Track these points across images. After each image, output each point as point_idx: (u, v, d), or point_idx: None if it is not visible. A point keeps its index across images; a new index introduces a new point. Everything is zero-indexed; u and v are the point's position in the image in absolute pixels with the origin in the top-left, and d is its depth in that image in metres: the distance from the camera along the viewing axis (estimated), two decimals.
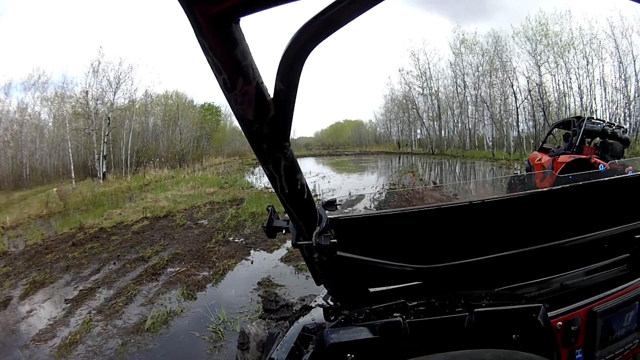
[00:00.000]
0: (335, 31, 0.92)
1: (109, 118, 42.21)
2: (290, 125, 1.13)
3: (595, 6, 61.40)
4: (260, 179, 31.39)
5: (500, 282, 2.38)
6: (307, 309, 2.68)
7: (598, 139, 14.60)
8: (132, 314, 7.62)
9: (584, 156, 12.88)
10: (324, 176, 31.14)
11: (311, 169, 38.87)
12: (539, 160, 15.13)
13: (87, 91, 42.57)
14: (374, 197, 13.69)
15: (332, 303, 2.32)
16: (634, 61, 39.52)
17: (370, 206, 13.30)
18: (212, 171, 40.38)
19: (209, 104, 68.40)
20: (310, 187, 14.48)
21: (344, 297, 2.18)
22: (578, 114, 36.80)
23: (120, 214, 17.74)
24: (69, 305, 8.29)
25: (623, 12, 39.42)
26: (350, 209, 13.50)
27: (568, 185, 2.38)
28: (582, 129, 13.74)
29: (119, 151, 46.18)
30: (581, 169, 11.78)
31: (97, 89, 43.16)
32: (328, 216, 1.73)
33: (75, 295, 8.80)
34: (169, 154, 52.16)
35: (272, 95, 1.02)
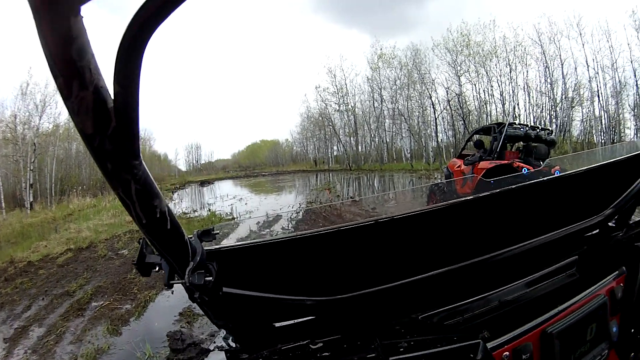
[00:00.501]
0: (172, 11, 0.77)
1: (34, 144, 41.14)
2: (138, 138, 0.97)
3: (522, 14, 63.30)
4: (177, 205, 31.31)
5: (427, 306, 2.10)
6: (204, 352, 2.47)
7: (521, 143, 14.95)
8: (64, 352, 7.39)
9: (505, 161, 13.14)
10: (241, 198, 31.37)
11: (229, 192, 39.26)
12: (459, 167, 15.41)
13: (15, 115, 41.63)
14: (291, 217, 13.85)
15: (233, 344, 2.03)
16: (562, 65, 41.45)
17: (288, 226, 14.04)
18: None
19: None
20: (227, 210, 15.02)
21: (244, 336, 1.95)
22: (500, 120, 37.97)
23: (46, 246, 17.53)
24: (7, 344, 8.09)
25: (552, 17, 41.66)
26: (267, 230, 13.71)
27: (498, 190, 2.21)
28: (503, 134, 14.01)
29: (44, 179, 45.03)
30: (503, 174, 12.00)
31: (24, 113, 42.24)
32: (207, 248, 1.56)
33: (12, 334, 8.52)
34: (91, 182, 51.55)
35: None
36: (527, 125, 14.89)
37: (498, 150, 13.96)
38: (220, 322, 1.77)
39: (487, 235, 2.19)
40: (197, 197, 40.70)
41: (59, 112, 46.21)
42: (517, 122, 15.21)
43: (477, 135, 17.79)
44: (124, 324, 8.39)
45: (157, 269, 1.53)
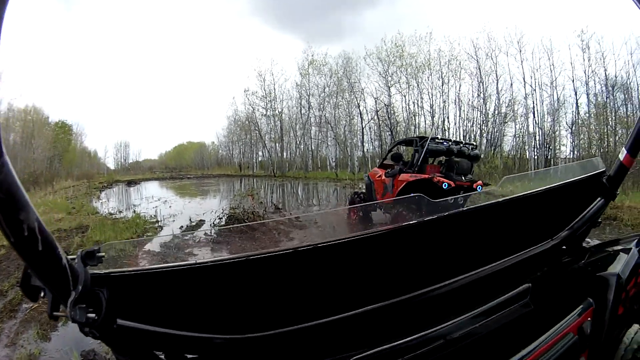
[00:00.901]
0: None
1: None
2: None
3: (461, 28, 63.98)
4: (105, 204, 30.78)
5: (360, 346, 1.75)
6: None
7: (444, 157, 15.23)
8: (1, 355, 7.47)
9: (426, 175, 13.43)
10: (166, 201, 30.92)
11: (154, 193, 38.73)
12: (380, 176, 15.55)
13: None
14: (214, 223, 13.65)
15: None
16: (497, 80, 42.20)
17: (210, 231, 13.74)
18: (61, 195, 39.01)
19: (63, 122, 65.81)
20: (152, 212, 14.52)
21: None
22: (428, 132, 39.62)
23: None
24: None
25: (492, 33, 42.23)
26: (191, 233, 13.43)
27: (446, 214, 1.97)
28: (425, 148, 14.21)
29: None
30: (423, 187, 12.61)
31: None
32: (97, 272, 1.30)
33: None
34: (24, 175, 48.71)
35: None
36: (450, 140, 15.25)
37: (419, 163, 14.20)
38: (122, 357, 1.47)
39: (429, 265, 2.03)
40: (123, 197, 40.06)
41: None
42: (439, 136, 15.29)
43: (400, 147, 17.89)
44: (53, 329, 8.26)
45: (42, 294, 1.24)
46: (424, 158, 14.31)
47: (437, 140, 14.81)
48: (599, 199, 2.54)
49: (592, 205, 2.51)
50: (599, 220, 2.62)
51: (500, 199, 2.15)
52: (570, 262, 2.50)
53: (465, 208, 2.07)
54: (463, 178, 13.32)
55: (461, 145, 15.01)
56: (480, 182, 13.72)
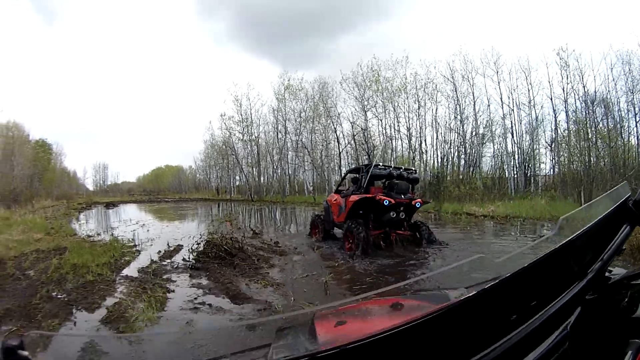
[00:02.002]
0: None
1: None
2: None
3: (437, 51, 63.77)
4: (83, 226, 29.34)
5: None
6: None
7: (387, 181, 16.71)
8: None
9: (369, 195, 14.86)
10: (144, 224, 29.57)
11: (132, 216, 38.06)
12: (335, 200, 17.08)
13: None
14: (192, 248, 13.91)
15: None
16: (474, 102, 42.74)
17: (188, 257, 13.37)
18: (41, 214, 38.09)
19: (43, 140, 65.69)
20: (129, 236, 14.80)
21: None
22: (406, 155, 42.03)
23: None
24: None
25: (469, 55, 43.12)
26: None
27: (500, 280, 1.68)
28: (369, 173, 15.64)
29: None
30: (368, 204, 14.47)
31: None
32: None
33: None
34: (5, 192, 48.69)
35: None
36: (390, 166, 16.77)
37: (365, 186, 15.62)
38: None
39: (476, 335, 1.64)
40: (102, 219, 38.60)
41: None
42: (381, 164, 16.57)
43: (353, 174, 19.26)
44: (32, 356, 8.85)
45: None
46: (369, 181, 15.83)
47: (379, 167, 16.30)
48: (625, 225, 2.28)
49: (618, 234, 2.26)
50: (623, 247, 2.33)
51: (556, 247, 1.90)
52: (604, 300, 2.16)
53: (526, 264, 1.75)
54: (402, 196, 14.78)
55: (401, 170, 16.60)
56: (419, 199, 15.37)
